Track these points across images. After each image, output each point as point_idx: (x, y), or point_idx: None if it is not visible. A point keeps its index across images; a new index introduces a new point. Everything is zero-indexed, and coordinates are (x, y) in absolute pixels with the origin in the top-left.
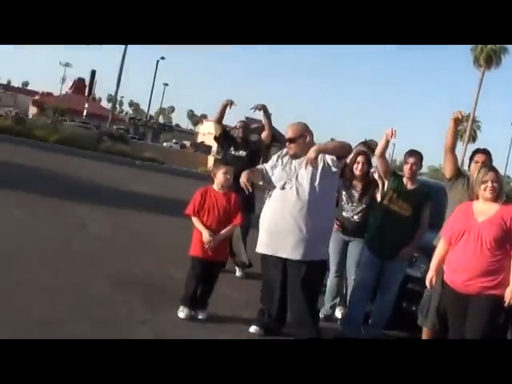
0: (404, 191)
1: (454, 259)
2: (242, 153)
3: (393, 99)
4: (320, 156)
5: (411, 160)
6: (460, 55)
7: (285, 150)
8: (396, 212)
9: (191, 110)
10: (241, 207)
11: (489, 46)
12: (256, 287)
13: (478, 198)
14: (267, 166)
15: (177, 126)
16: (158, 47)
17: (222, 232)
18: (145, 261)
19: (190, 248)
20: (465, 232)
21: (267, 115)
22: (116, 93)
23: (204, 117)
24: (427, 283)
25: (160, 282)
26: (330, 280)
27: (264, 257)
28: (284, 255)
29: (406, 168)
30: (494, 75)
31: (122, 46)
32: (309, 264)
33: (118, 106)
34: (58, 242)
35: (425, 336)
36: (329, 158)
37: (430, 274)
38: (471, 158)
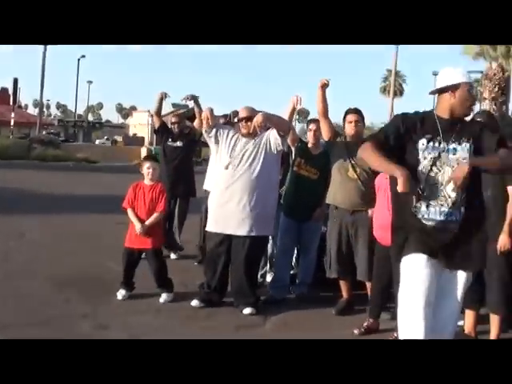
0: (310, 156)
1: (375, 214)
2: (179, 143)
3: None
4: (265, 138)
5: (313, 127)
6: None
7: (232, 132)
8: (305, 176)
9: (119, 104)
10: (164, 196)
11: None
12: (192, 267)
13: None
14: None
15: (107, 121)
16: (77, 45)
17: (147, 221)
18: (83, 259)
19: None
20: (379, 188)
21: (197, 104)
22: (41, 97)
23: (133, 109)
24: None
25: (99, 276)
26: None
27: (211, 233)
28: (231, 232)
29: (310, 135)
30: None
31: (41, 49)
32: (253, 239)
33: (45, 110)
34: None
35: (342, 287)
36: (272, 139)
37: None
38: (344, 118)
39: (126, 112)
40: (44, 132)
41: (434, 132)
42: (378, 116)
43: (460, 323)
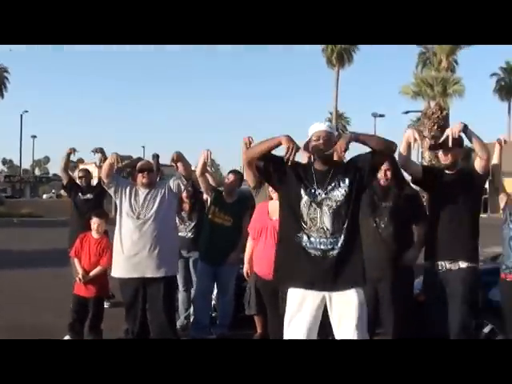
0: (224, 204)
1: (259, 253)
2: (89, 196)
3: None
4: (162, 186)
5: (231, 177)
6: (312, 57)
7: (129, 185)
8: (219, 223)
9: None
10: (109, 251)
11: (338, 46)
12: (120, 313)
13: (271, 199)
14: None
15: (54, 175)
16: (20, 101)
17: (91, 273)
18: (19, 312)
19: None
20: (262, 229)
21: (104, 155)
22: None
23: (80, 161)
24: (244, 275)
25: (34, 326)
26: (181, 294)
27: (125, 281)
28: (148, 275)
29: (226, 184)
30: (348, 72)
31: None
32: (166, 280)
33: None
34: None
35: (257, 323)
36: (175, 185)
37: (245, 267)
38: None
39: (73, 165)
40: None
41: (311, 180)
42: None
43: None
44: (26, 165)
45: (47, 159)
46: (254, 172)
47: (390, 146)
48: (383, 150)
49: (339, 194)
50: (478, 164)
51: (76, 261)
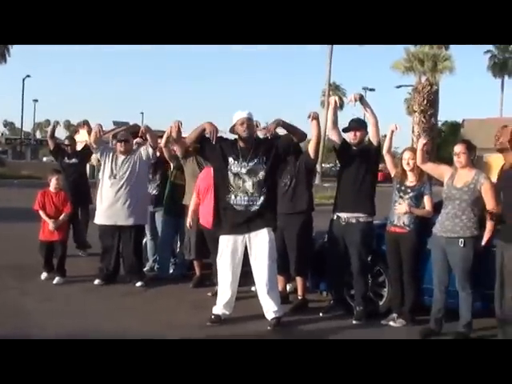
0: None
1: (205, 208)
2: (74, 160)
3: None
4: (137, 153)
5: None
6: None
7: (112, 151)
8: (179, 184)
9: (68, 121)
10: (68, 200)
11: None
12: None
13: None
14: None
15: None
16: (22, 66)
17: (59, 219)
18: (14, 254)
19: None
20: (208, 188)
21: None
22: None
23: (80, 125)
24: (188, 226)
25: (27, 265)
26: (149, 242)
27: (103, 228)
28: (121, 223)
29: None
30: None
31: None
32: (136, 228)
33: None
34: None
35: (196, 266)
36: (145, 152)
37: (188, 220)
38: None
39: (74, 128)
40: None
41: (236, 153)
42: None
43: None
44: (28, 128)
45: (48, 122)
46: (184, 149)
47: (304, 137)
48: (300, 139)
49: (260, 166)
50: (371, 132)
51: (42, 212)
